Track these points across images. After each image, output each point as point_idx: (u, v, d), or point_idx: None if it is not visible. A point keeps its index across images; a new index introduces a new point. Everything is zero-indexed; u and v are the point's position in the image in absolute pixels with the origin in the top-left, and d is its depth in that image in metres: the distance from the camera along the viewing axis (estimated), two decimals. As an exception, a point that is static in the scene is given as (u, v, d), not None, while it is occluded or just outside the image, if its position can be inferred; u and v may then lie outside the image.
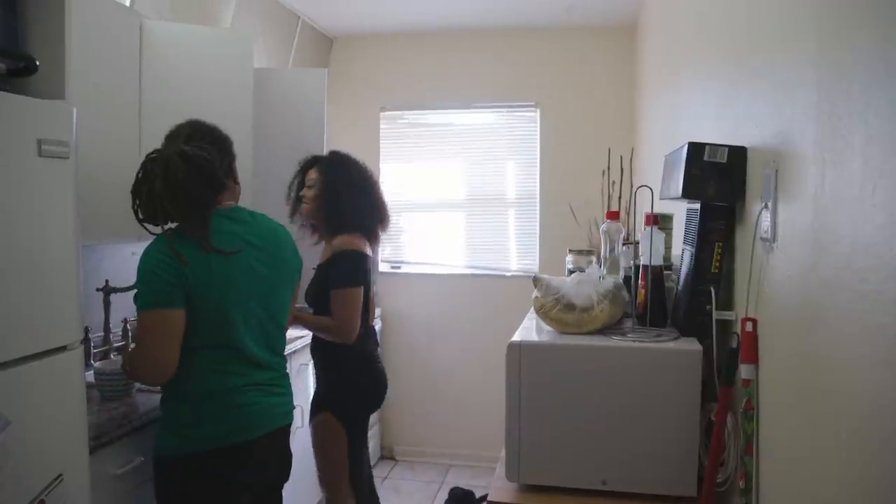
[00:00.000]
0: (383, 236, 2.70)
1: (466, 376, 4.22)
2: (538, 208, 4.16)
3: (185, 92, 2.49)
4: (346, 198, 2.50)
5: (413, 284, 4.30)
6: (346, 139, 4.28)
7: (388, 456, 4.34)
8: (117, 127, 2.24)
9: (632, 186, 3.59)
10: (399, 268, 4.32)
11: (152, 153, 1.76)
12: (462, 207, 4.28)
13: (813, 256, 1.13)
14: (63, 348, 1.62)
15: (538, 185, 4.16)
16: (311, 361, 2.70)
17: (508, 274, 4.19)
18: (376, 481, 3.91)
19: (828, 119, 1.07)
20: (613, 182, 3.64)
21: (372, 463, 4.12)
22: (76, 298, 1.66)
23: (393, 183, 4.33)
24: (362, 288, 2.46)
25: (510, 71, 4.17)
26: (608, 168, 3.71)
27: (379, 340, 2.81)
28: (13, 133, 1.47)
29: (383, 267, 4.32)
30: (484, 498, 3.62)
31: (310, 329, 2.54)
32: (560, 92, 4.13)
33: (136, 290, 1.76)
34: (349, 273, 2.43)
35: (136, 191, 1.73)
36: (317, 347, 2.58)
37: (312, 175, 2.55)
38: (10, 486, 1.47)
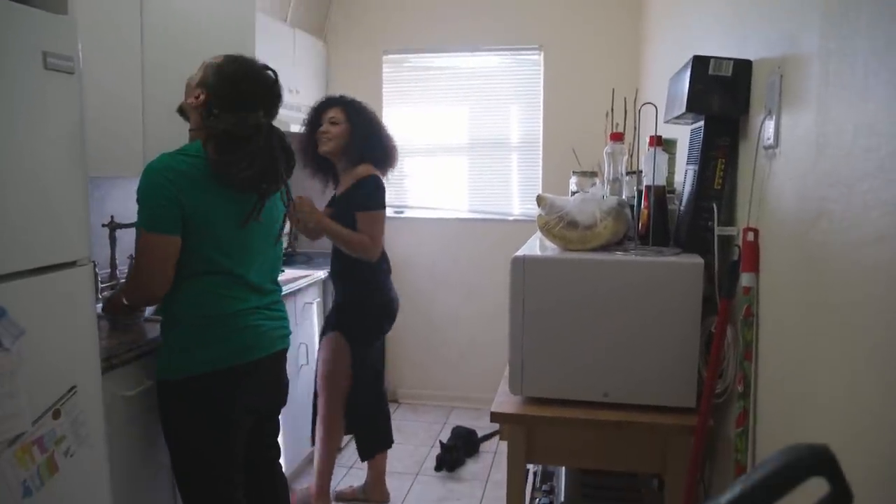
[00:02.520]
0: (389, 175, 2.87)
1: (469, 319, 4.26)
2: (541, 152, 4.15)
3: (186, 18, 2.46)
4: (369, 134, 2.74)
5: (416, 229, 4.31)
6: (348, 83, 4.25)
7: (391, 399, 4.39)
8: (120, 55, 2.22)
9: (636, 128, 3.57)
10: (402, 212, 4.33)
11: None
12: (465, 151, 4.27)
13: (816, 152, 1.14)
14: (73, 263, 1.64)
15: (541, 128, 4.15)
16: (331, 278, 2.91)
17: (511, 218, 4.20)
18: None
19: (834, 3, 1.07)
20: (617, 124, 3.62)
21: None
22: (85, 214, 1.67)
23: (396, 127, 4.30)
24: (384, 211, 2.72)
25: (514, 13, 4.12)
26: (612, 110, 3.68)
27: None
28: (18, 43, 1.46)
29: (387, 211, 4.32)
30: (487, 437, 3.70)
31: (338, 239, 2.65)
32: (564, 34, 4.08)
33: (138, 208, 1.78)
34: (376, 196, 2.69)
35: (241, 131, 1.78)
36: (339, 266, 2.76)
37: (334, 114, 2.72)
38: (25, 393, 1.51)
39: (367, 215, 2.66)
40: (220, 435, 1.88)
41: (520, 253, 1.69)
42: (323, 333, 2.83)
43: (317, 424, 2.85)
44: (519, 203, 4.22)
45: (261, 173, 1.78)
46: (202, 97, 1.82)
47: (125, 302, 1.99)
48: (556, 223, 1.72)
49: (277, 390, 2.06)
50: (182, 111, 1.91)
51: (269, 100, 1.87)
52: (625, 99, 3.69)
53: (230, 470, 1.91)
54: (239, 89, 1.80)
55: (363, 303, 2.77)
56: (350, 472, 3.32)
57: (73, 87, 1.60)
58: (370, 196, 2.68)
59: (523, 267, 1.66)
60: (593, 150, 3.80)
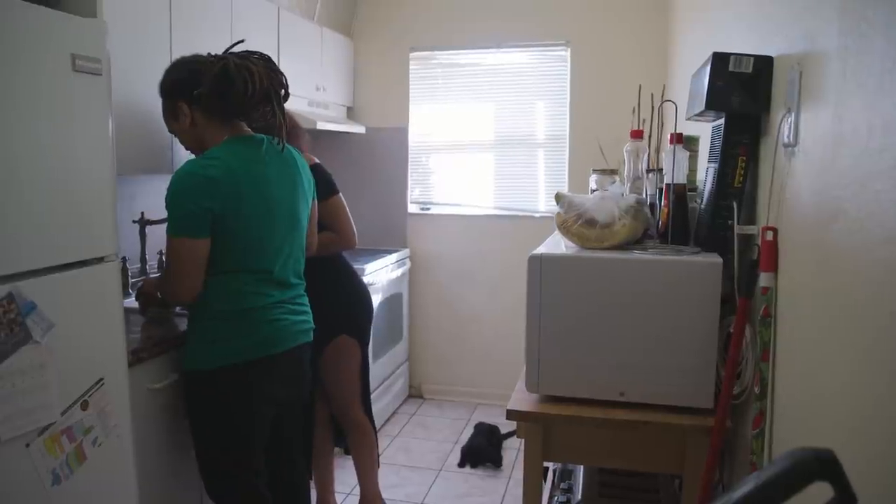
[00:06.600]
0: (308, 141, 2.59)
1: (494, 316, 4.26)
2: (567, 149, 4.13)
3: (214, 18, 2.51)
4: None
5: (442, 225, 4.33)
6: (375, 80, 4.29)
7: (415, 394, 4.43)
8: (149, 55, 2.28)
9: (662, 124, 3.54)
10: (428, 209, 4.34)
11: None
12: (491, 148, 4.27)
13: (833, 150, 1.12)
14: (101, 259, 1.69)
15: (568, 125, 4.13)
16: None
17: (537, 215, 4.19)
18: (404, 417, 4.05)
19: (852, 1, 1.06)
20: (644, 120, 3.58)
21: (400, 401, 4.25)
22: (112, 213, 1.72)
23: (423, 124, 4.33)
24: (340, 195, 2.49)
25: (541, 9, 4.10)
26: (638, 106, 3.65)
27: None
28: (47, 46, 1.51)
29: (412, 208, 4.35)
30: (510, 434, 3.71)
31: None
32: (591, 30, 4.05)
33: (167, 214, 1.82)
34: (330, 181, 2.45)
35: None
36: (312, 274, 2.36)
37: None
38: (56, 385, 1.57)
39: (330, 202, 2.40)
40: (242, 426, 1.92)
41: (537, 251, 1.69)
42: (324, 340, 2.45)
43: (349, 436, 2.70)
44: (545, 200, 4.20)
45: (256, 85, 1.80)
46: (187, 111, 1.94)
47: (159, 296, 2.06)
48: (573, 221, 1.71)
49: (301, 382, 2.10)
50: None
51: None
52: (651, 95, 3.66)
53: (251, 460, 1.96)
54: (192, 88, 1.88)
55: (357, 295, 2.60)
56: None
57: (100, 88, 1.64)
58: (324, 184, 2.39)
59: (540, 265, 1.66)
60: (620, 146, 3.77)
